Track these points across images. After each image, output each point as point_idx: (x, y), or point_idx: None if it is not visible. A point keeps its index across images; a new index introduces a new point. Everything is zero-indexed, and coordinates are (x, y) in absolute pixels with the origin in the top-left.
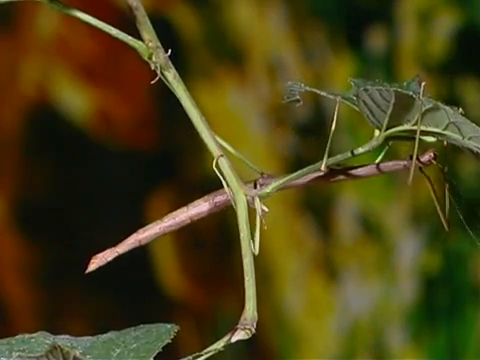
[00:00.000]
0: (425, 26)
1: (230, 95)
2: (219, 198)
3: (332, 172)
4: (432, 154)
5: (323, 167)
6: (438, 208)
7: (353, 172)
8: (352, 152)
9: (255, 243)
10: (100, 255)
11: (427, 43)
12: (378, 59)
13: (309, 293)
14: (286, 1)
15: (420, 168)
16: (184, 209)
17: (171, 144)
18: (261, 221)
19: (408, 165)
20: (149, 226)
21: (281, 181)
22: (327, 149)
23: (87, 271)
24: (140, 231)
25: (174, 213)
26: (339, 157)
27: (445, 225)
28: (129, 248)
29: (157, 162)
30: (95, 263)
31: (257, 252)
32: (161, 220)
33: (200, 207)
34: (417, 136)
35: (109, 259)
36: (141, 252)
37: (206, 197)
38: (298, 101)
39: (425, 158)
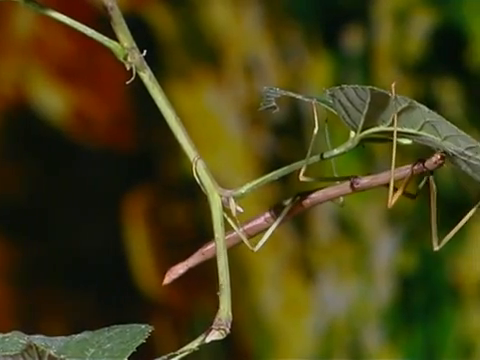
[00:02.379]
0: (402, 26)
1: (207, 95)
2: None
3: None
4: (439, 156)
5: (301, 176)
6: (433, 221)
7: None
8: (321, 155)
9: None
10: (173, 269)
11: (404, 43)
12: (355, 59)
13: (286, 293)
14: (262, 1)
15: (431, 172)
16: (242, 224)
17: (149, 144)
18: (236, 222)
19: (418, 170)
20: (213, 240)
21: (256, 182)
22: (308, 156)
23: (163, 284)
24: (205, 245)
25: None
26: (314, 158)
27: (435, 242)
28: (197, 261)
29: (135, 162)
30: (169, 277)
31: (256, 248)
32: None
33: (255, 221)
34: (394, 137)
35: (181, 272)
36: (118, 252)
37: (261, 213)
38: (274, 108)
39: (432, 162)
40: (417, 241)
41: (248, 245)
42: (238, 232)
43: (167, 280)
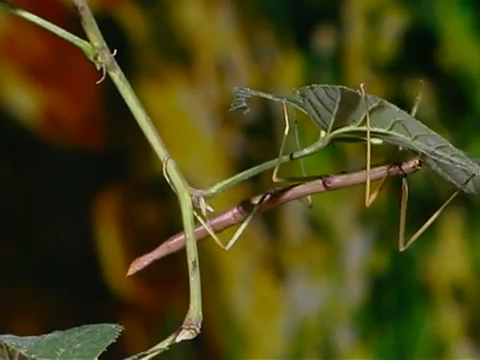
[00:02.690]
0: (373, 26)
1: (178, 95)
2: (237, 209)
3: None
4: (417, 161)
5: (274, 177)
6: (402, 222)
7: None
8: (292, 155)
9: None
10: (138, 260)
11: (375, 43)
12: (326, 59)
13: (257, 293)
14: (234, 1)
15: (405, 175)
16: (211, 218)
17: (119, 144)
18: (206, 221)
19: (394, 172)
20: (179, 233)
21: (226, 182)
22: (280, 156)
23: (127, 275)
24: (171, 238)
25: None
26: (284, 158)
27: (402, 243)
28: (163, 254)
29: (105, 162)
30: (133, 268)
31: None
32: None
33: (223, 216)
34: (368, 138)
35: (145, 264)
36: (89, 252)
37: (230, 208)
38: (245, 108)
39: (410, 165)
40: (388, 241)
41: (218, 241)
42: (206, 227)
43: (131, 271)
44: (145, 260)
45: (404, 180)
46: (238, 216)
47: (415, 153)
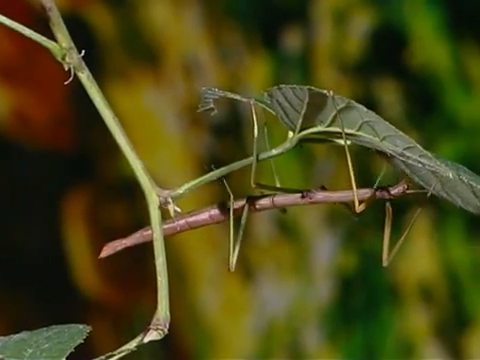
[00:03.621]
0: (341, 26)
1: (146, 95)
2: (214, 211)
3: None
4: (405, 186)
5: (253, 183)
6: (385, 241)
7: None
8: (259, 156)
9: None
10: (110, 244)
11: (343, 43)
12: (294, 59)
13: (225, 293)
14: (202, 1)
15: (390, 199)
16: (185, 215)
17: (88, 144)
18: (174, 222)
19: (381, 196)
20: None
21: (194, 182)
22: (255, 160)
23: (99, 257)
24: (147, 227)
25: (179, 218)
26: (251, 159)
27: (385, 259)
28: (136, 242)
29: (74, 162)
30: (106, 251)
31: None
32: (164, 221)
33: (200, 216)
34: (344, 139)
35: (118, 249)
36: (57, 252)
37: (207, 208)
38: (212, 109)
39: (397, 190)
40: (356, 241)
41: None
42: (177, 228)
43: (104, 254)
44: (118, 245)
45: (387, 203)
46: (214, 217)
47: (381, 155)
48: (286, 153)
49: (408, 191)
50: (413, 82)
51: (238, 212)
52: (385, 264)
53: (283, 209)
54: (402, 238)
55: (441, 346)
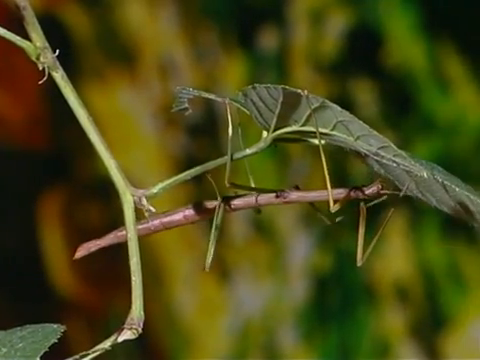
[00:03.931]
0: (317, 26)
1: (121, 95)
2: (189, 211)
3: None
4: (379, 186)
5: (227, 182)
6: (360, 241)
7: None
8: (231, 156)
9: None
10: (85, 245)
11: (319, 43)
12: (270, 59)
13: (201, 293)
14: (177, 1)
15: (365, 199)
16: (160, 216)
17: (63, 144)
18: (148, 221)
19: (355, 196)
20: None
21: (168, 182)
22: (229, 160)
23: (73, 258)
24: (121, 228)
25: (153, 218)
26: (226, 158)
27: (359, 259)
28: (110, 242)
29: (49, 162)
30: (80, 252)
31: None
32: (138, 222)
33: (174, 216)
34: (318, 138)
35: (92, 250)
36: (33, 252)
37: (182, 208)
38: (187, 109)
39: (372, 190)
40: (332, 241)
41: None
42: (151, 228)
43: (78, 255)
44: (92, 246)
45: (362, 203)
46: (189, 217)
47: (356, 155)
48: (261, 152)
49: (382, 191)
50: (389, 82)
51: (213, 212)
52: (359, 264)
53: (258, 209)
54: (375, 238)
55: (417, 346)
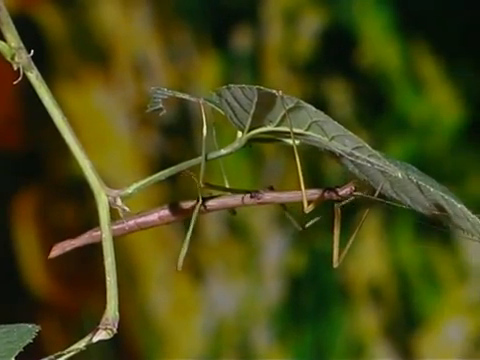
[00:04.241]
0: (291, 26)
1: (95, 95)
2: (164, 212)
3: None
4: (353, 187)
5: (201, 183)
6: (335, 243)
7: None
8: (208, 156)
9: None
10: (59, 244)
11: (293, 43)
12: (244, 59)
13: (175, 293)
14: (151, 1)
15: (338, 200)
16: (135, 216)
17: (38, 144)
18: (123, 222)
19: (328, 197)
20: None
21: (143, 182)
22: (203, 161)
23: (48, 258)
24: (96, 228)
25: (128, 218)
26: (200, 159)
27: (335, 260)
28: (85, 242)
29: (24, 162)
30: (55, 251)
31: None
32: (113, 222)
33: (149, 217)
34: (292, 138)
35: (67, 249)
36: (7, 252)
37: (157, 208)
38: (161, 110)
39: (345, 191)
40: (306, 241)
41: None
42: (126, 228)
43: (53, 254)
44: (67, 246)
45: (336, 204)
46: (164, 218)
47: (331, 155)
48: (235, 153)
49: (355, 193)
50: (363, 82)
51: (188, 213)
52: (336, 265)
53: (233, 210)
54: (351, 240)
55: (391, 346)
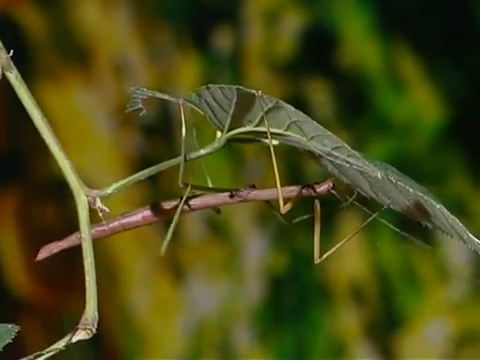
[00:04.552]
0: (271, 26)
1: (76, 95)
2: (147, 212)
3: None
4: (331, 184)
5: (180, 183)
6: (316, 240)
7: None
8: (188, 155)
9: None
10: (47, 247)
11: (274, 43)
12: (224, 59)
13: (156, 293)
14: (132, 1)
15: (316, 197)
16: (118, 217)
17: (18, 144)
18: (102, 222)
19: (307, 194)
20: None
21: (122, 182)
22: (182, 162)
23: (36, 259)
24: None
25: (113, 220)
26: (181, 158)
27: (317, 256)
28: (71, 244)
29: (4, 162)
30: (42, 254)
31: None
32: (97, 223)
33: (132, 217)
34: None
35: (54, 251)
36: None
37: (140, 209)
38: (141, 110)
39: (323, 188)
40: (287, 241)
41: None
42: (106, 228)
43: (40, 257)
44: (54, 248)
45: (316, 201)
46: (147, 218)
47: (310, 155)
48: (215, 153)
49: (333, 190)
50: (343, 82)
51: (171, 212)
52: (317, 262)
53: (217, 209)
54: (341, 243)
55: (372, 346)
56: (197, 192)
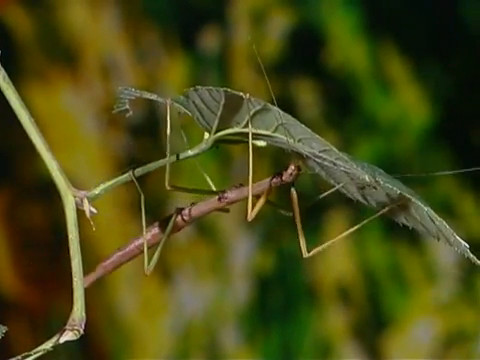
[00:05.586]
0: (258, 26)
1: (63, 96)
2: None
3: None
4: (293, 166)
5: (167, 185)
6: (299, 230)
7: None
8: (177, 156)
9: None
10: (104, 264)
11: (261, 43)
12: (212, 59)
13: (143, 294)
14: (119, 2)
15: (292, 183)
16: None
17: (6, 145)
18: (90, 223)
19: (276, 183)
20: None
21: (110, 183)
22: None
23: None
24: (136, 237)
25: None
26: (167, 159)
27: (304, 249)
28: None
29: None
30: (88, 281)
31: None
32: (118, 249)
33: (140, 239)
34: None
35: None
36: None
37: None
38: (128, 111)
39: (289, 173)
40: (274, 242)
41: None
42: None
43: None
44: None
45: (292, 188)
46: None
47: (297, 156)
48: (203, 154)
49: (296, 171)
50: (331, 82)
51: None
52: (305, 256)
53: (226, 209)
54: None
55: (359, 346)
56: (187, 197)
